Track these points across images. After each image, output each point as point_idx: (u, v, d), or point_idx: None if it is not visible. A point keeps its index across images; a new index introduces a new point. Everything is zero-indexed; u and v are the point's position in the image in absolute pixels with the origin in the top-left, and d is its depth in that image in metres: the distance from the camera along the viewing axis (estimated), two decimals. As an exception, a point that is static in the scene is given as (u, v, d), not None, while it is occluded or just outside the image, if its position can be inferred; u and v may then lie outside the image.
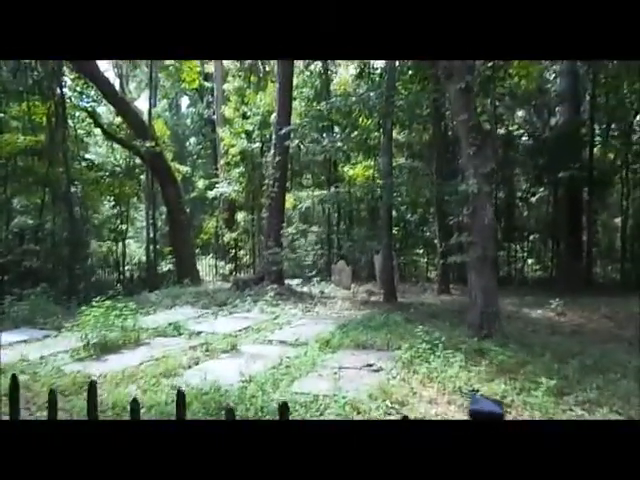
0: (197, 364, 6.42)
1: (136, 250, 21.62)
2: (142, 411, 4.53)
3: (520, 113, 18.92)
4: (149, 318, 9.40)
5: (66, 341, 7.54)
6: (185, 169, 20.06)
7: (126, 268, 18.09)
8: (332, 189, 16.59)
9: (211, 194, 18.26)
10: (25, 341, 7.94)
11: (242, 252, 20.68)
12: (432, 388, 5.15)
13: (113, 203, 19.08)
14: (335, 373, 5.82)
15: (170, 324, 8.78)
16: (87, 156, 17.30)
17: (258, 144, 17.49)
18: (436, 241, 13.69)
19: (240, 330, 8.62)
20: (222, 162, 19.37)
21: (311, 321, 9.43)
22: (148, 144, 14.83)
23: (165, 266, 18.41)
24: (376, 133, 17.53)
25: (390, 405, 4.54)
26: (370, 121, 13.65)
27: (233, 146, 17.59)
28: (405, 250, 17.82)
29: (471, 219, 7.09)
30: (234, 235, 19.92)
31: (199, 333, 8.31)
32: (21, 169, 17.00)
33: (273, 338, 8.04)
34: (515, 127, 17.42)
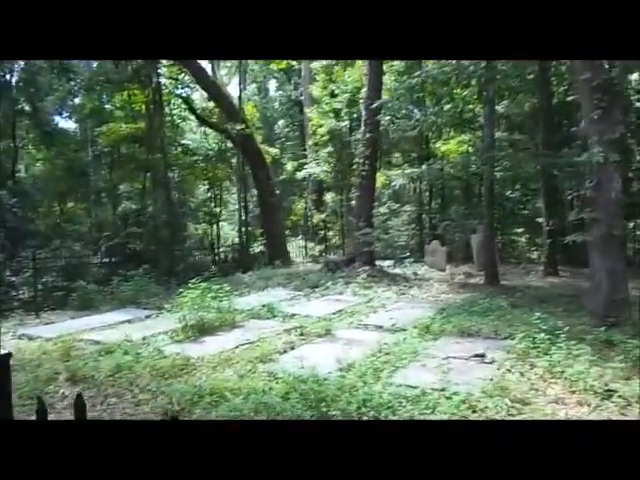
0: (292, 349, 6.24)
1: (229, 232, 22.21)
2: (239, 399, 4.40)
3: (635, 76, 16.73)
4: (243, 299, 9.43)
5: (166, 321, 7.72)
6: (274, 151, 20.12)
7: (220, 250, 18.59)
8: (424, 166, 15.88)
9: (300, 175, 18.16)
10: (129, 321, 8.27)
11: (331, 233, 20.49)
12: (556, 385, 4.51)
13: (207, 187, 19.66)
14: (440, 364, 5.35)
15: (264, 306, 8.74)
16: (182, 141, 17.85)
17: (347, 122, 17.03)
18: (541, 219, 12.47)
19: (334, 313, 8.36)
20: (310, 143, 19.20)
21: (407, 305, 8.95)
22: (239, 127, 14.94)
23: (257, 248, 18.73)
24: (471, 105, 16.40)
25: (510, 404, 3.99)
26: (467, 91, 12.66)
27: (321, 126, 17.29)
28: (504, 229, 16.60)
29: (596, 193, 6.18)
30: (323, 216, 19.76)
31: (293, 316, 8.17)
32: (124, 156, 18.04)
33: (368, 322, 7.69)
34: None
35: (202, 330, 7.06)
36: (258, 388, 4.62)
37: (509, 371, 4.95)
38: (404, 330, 6.99)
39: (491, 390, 4.27)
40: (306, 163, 19.02)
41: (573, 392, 4.31)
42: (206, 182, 19.26)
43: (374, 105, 11.62)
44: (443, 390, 4.34)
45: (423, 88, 10.51)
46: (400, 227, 11.71)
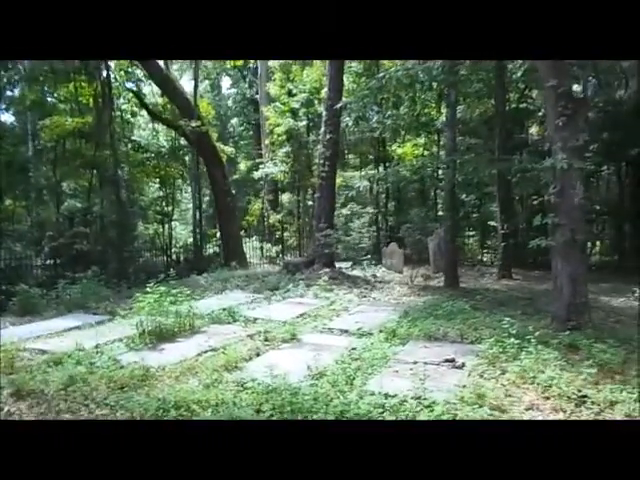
0: (258, 355, 5.99)
1: (182, 233, 21.56)
2: (208, 412, 4.12)
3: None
4: (200, 303, 9.03)
5: (119, 328, 7.27)
6: (230, 149, 19.67)
7: (172, 251, 17.96)
8: (388, 169, 15.95)
9: (257, 175, 17.81)
10: (78, 327, 7.73)
11: (286, 234, 20.26)
12: (529, 391, 4.51)
13: (158, 185, 18.96)
14: (411, 369, 5.26)
15: (224, 309, 8.42)
16: (133, 138, 17.11)
17: (305, 122, 16.86)
18: (496, 223, 12.78)
19: (297, 317, 8.16)
20: (267, 142, 18.88)
21: (370, 308, 8.88)
22: (194, 124, 14.46)
23: (211, 249, 18.23)
24: (427, 109, 16.64)
25: (489, 412, 3.93)
26: (425, 94, 12.79)
27: (278, 125, 17.04)
28: (458, 232, 16.94)
29: (559, 199, 6.30)
30: (279, 217, 19.50)
31: (255, 320, 7.91)
32: (69, 152, 17.05)
33: (333, 326, 7.53)
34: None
35: (160, 337, 6.68)
36: (227, 399, 4.36)
37: (481, 376, 4.92)
38: (370, 334, 6.89)
39: (468, 397, 4.20)
40: (262, 163, 18.71)
41: (547, 398, 4.31)
42: (157, 180, 18.58)
43: (337, 106, 11.51)
44: (419, 398, 4.23)
45: (386, 90, 10.49)
46: (361, 229, 11.64)
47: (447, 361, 5.43)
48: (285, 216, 19.47)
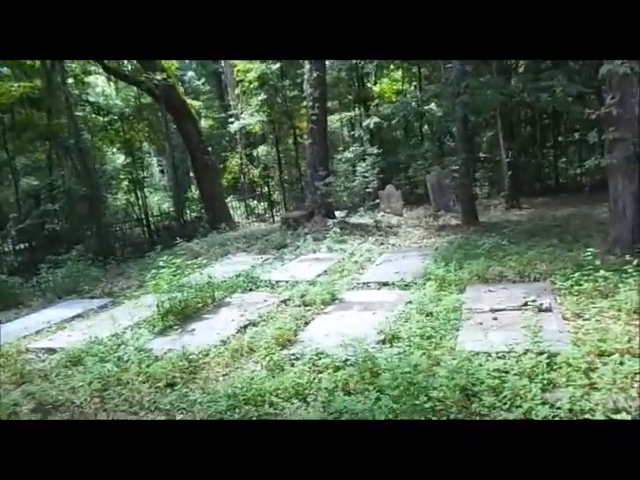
0: (307, 323, 5.23)
1: (154, 200, 20.16)
2: (294, 404, 3.37)
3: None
4: (206, 271, 8.15)
5: (130, 311, 6.31)
6: (197, 104, 18.10)
7: (151, 220, 16.69)
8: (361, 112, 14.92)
9: (233, 128, 16.41)
10: (80, 316, 6.76)
11: (266, 189, 19.12)
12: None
13: (125, 150, 17.39)
14: (495, 319, 4.63)
15: (238, 276, 7.58)
16: (91, 99, 15.35)
17: (277, 65, 15.42)
18: (502, 152, 12.04)
19: (319, 275, 7.37)
20: (236, 92, 17.38)
21: (395, 255, 8.17)
22: (159, 77, 12.96)
23: (191, 213, 17.06)
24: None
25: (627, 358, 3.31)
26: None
27: (249, 71, 15.57)
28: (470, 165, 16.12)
29: (618, 109, 5.60)
30: (257, 171, 18.32)
31: (277, 283, 7.09)
32: (19, 123, 15.25)
33: (368, 280, 6.82)
34: None
35: (184, 315, 5.83)
36: (307, 384, 3.61)
37: (580, 317, 4.32)
38: (415, 284, 6.23)
39: (592, 344, 3.58)
40: (232, 116, 17.31)
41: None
42: (123, 145, 16.98)
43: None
44: (535, 353, 3.57)
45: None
46: (365, 172, 10.75)
47: (528, 304, 4.80)
48: (264, 170, 18.30)
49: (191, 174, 18.01)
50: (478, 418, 2.96)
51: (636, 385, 3.07)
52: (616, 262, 5.48)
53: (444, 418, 2.91)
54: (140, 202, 17.29)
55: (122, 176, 17.53)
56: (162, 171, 21.33)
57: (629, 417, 2.69)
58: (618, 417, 2.71)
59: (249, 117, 15.74)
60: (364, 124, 12.05)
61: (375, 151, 11.00)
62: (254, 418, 3.24)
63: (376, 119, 12.09)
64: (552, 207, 11.24)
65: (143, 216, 17.43)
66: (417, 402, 3.03)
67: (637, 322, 4.03)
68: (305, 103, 11.92)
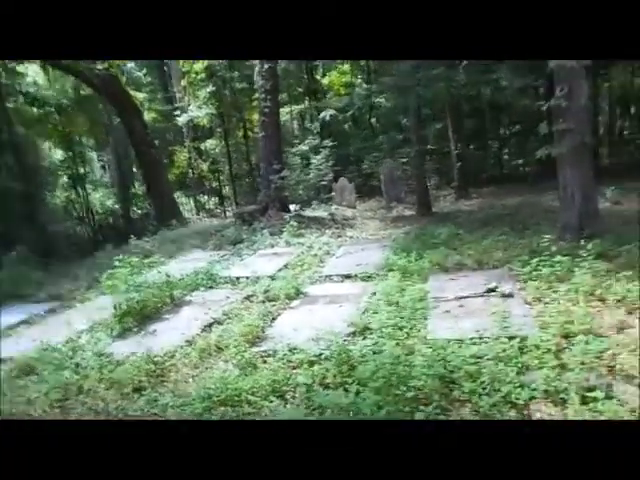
0: (274, 319, 5.14)
1: (96, 197, 19.26)
2: (273, 402, 3.29)
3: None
4: (163, 270, 7.87)
5: (82, 314, 5.97)
6: (141, 96, 17.40)
7: (95, 217, 15.96)
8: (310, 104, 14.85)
9: (180, 121, 15.90)
10: (26, 321, 6.34)
11: (216, 184, 18.72)
12: (608, 309, 4.12)
13: (63, 145, 16.46)
14: (461, 306, 4.73)
15: (197, 273, 7.33)
16: (24, 90, 14.34)
17: (224, 57, 15.08)
18: (451, 144, 12.32)
19: (280, 269, 7.27)
20: (183, 83, 16.86)
21: (354, 247, 8.20)
22: (100, 66, 12.33)
23: (138, 210, 16.46)
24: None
25: (592, 339, 3.46)
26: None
27: (196, 62, 15.12)
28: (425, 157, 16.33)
29: (567, 101, 5.83)
30: (206, 166, 17.89)
31: (237, 279, 6.93)
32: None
33: (329, 273, 6.80)
34: None
35: (143, 316, 5.57)
36: (283, 381, 3.54)
37: (540, 301, 4.48)
38: (377, 275, 6.27)
39: (559, 328, 3.71)
40: (177, 108, 16.79)
41: (630, 313, 3.94)
42: (61, 139, 16.06)
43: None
44: (504, 339, 3.67)
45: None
46: (319, 165, 10.70)
47: (490, 290, 4.94)
48: (213, 164, 17.89)
49: (134, 169, 17.32)
50: (459, 404, 3.01)
51: (603, 363, 3.22)
52: (568, 247, 5.73)
53: (428, 407, 2.92)
54: (82, 199, 16.46)
55: (60, 172, 16.60)
56: (103, 167, 20.36)
57: (602, 394, 2.80)
58: (592, 395, 2.82)
59: (197, 110, 15.33)
60: (320, 116, 11.94)
61: (330, 144, 10.97)
62: (234, 418, 3.13)
63: (332, 111, 12.03)
64: (499, 196, 11.65)
65: (85, 214, 16.67)
66: (398, 392, 3.04)
67: (594, 304, 4.23)
68: (257, 95, 11.71)
